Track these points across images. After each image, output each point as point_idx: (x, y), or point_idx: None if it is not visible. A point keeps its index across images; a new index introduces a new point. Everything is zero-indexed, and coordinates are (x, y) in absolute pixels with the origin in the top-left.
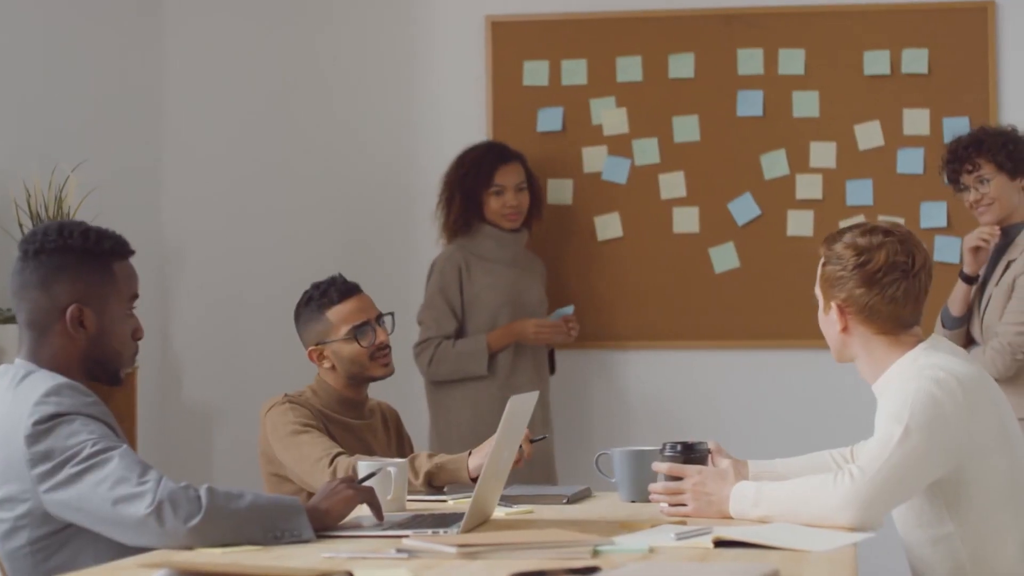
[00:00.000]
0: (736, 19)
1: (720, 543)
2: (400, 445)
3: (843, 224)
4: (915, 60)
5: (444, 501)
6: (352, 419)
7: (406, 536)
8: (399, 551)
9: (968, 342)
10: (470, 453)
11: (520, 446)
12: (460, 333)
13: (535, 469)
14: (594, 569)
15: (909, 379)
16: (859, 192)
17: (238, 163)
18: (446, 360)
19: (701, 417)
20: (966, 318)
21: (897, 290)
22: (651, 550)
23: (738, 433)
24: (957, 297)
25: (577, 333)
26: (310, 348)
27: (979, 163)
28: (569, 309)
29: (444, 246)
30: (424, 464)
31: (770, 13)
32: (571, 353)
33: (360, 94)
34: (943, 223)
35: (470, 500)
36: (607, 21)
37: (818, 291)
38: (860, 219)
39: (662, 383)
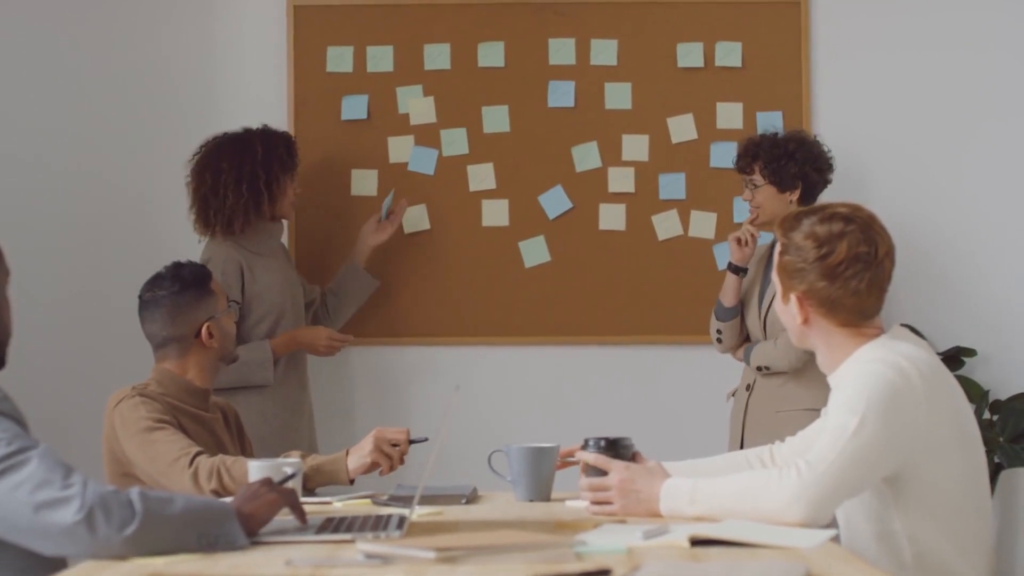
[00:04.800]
0: (547, 8)
1: (697, 542)
2: (242, 443)
3: (655, 219)
4: (729, 53)
5: (329, 503)
6: (201, 411)
7: (348, 540)
8: (369, 557)
9: (743, 334)
10: (347, 452)
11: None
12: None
13: None
14: (606, 571)
15: (868, 363)
16: (672, 186)
17: (20, 147)
18: (229, 368)
19: (509, 414)
20: (739, 309)
21: (860, 282)
22: (629, 550)
23: (545, 431)
24: (728, 288)
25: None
26: (206, 324)
27: (753, 168)
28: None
29: (209, 240)
30: None
31: (582, 3)
32: (374, 349)
33: (155, 78)
34: None
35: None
36: (414, 7)
37: (775, 278)
38: (673, 213)
39: (470, 380)
